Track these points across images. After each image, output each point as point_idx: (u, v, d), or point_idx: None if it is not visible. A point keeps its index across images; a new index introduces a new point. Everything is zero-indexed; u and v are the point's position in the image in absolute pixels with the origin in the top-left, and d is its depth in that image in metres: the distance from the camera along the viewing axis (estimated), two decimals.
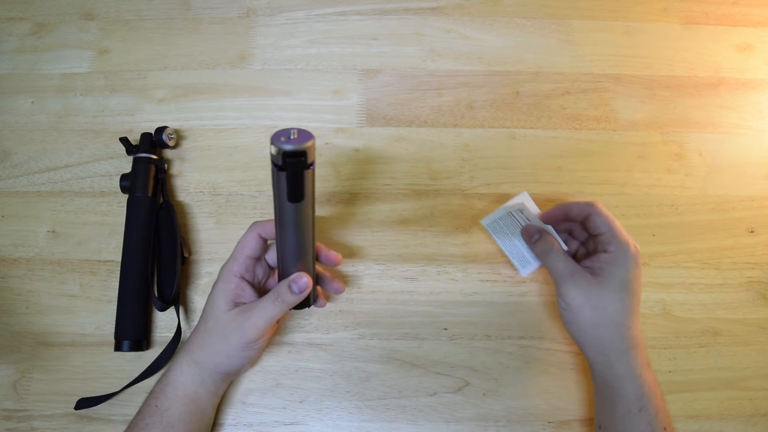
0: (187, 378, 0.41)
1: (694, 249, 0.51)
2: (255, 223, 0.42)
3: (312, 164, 0.32)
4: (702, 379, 0.48)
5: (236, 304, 0.41)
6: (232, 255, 0.42)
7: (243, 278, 0.41)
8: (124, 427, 0.41)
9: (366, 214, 0.52)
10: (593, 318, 0.40)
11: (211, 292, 0.42)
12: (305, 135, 0.31)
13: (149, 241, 0.48)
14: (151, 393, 0.41)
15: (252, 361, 0.44)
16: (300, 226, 0.36)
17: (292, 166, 0.31)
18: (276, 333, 0.48)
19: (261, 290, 0.44)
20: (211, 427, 0.44)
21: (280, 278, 0.40)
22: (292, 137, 0.30)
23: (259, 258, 0.43)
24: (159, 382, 0.41)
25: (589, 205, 0.42)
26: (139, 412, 0.41)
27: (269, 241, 0.43)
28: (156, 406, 0.40)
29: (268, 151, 0.54)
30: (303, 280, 0.39)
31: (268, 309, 0.39)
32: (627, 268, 0.40)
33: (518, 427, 0.46)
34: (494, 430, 0.46)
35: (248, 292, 0.41)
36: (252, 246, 0.41)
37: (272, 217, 0.38)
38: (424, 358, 0.48)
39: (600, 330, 0.40)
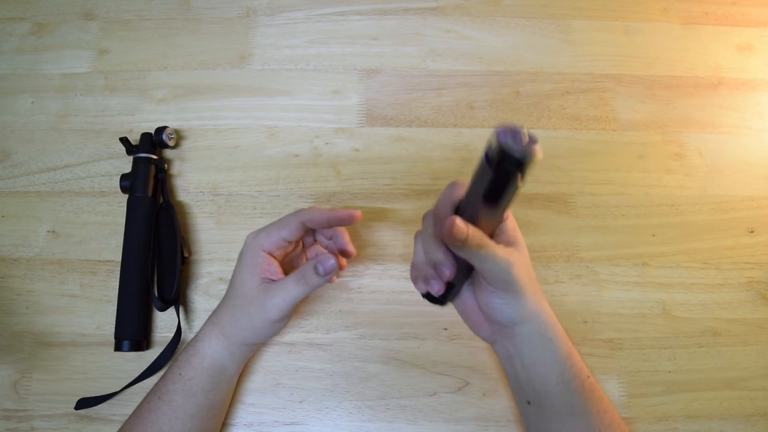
0: (215, 351, 0.41)
1: (694, 249, 0.51)
2: (301, 210, 0.41)
3: None
4: (702, 379, 0.48)
5: (263, 279, 0.40)
6: (265, 230, 0.41)
7: (271, 254, 0.41)
8: None
9: (366, 215, 0.52)
10: (533, 287, 0.39)
11: (239, 264, 0.41)
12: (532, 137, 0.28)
13: (149, 241, 0.48)
14: (175, 362, 0.41)
15: (278, 333, 0.44)
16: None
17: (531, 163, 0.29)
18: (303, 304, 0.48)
19: (285, 264, 0.44)
20: (231, 397, 0.45)
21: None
22: (526, 138, 0.28)
23: (291, 242, 0.42)
24: (184, 352, 0.42)
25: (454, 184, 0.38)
26: (162, 379, 0.41)
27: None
28: (180, 374, 0.40)
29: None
30: (330, 262, 0.38)
31: (291, 290, 0.39)
32: (519, 232, 0.39)
33: (518, 427, 0.46)
34: (494, 430, 0.46)
35: (274, 268, 0.41)
36: (291, 232, 0.40)
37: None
38: (424, 358, 0.48)
39: (537, 295, 0.39)
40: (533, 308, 0.39)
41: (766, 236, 0.52)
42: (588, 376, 0.40)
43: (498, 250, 0.36)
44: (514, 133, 0.28)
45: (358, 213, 0.40)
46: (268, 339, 0.43)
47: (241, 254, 0.42)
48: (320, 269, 0.38)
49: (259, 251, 0.41)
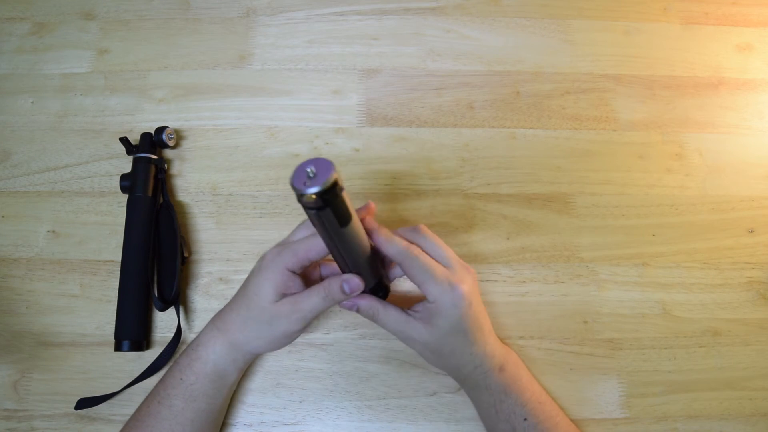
0: (219, 357, 0.41)
1: (694, 249, 0.51)
2: None
3: (340, 185, 0.31)
4: (702, 379, 0.48)
5: (283, 295, 0.40)
6: (290, 249, 0.40)
7: (294, 272, 0.40)
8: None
9: None
10: (437, 358, 0.43)
11: (256, 278, 0.40)
12: (325, 167, 0.29)
13: (149, 241, 0.48)
14: (176, 366, 0.41)
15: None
16: (359, 239, 0.36)
17: (332, 200, 0.30)
18: None
19: (304, 277, 0.43)
20: (229, 402, 0.45)
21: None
22: (311, 176, 0.29)
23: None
24: (186, 356, 0.41)
25: (401, 253, 0.39)
26: (161, 382, 0.41)
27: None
28: (181, 379, 0.40)
29: (265, 151, 0.54)
30: (355, 281, 0.39)
31: (317, 304, 0.39)
32: (452, 315, 0.39)
33: None
34: None
35: (297, 284, 0.40)
36: (319, 252, 0.39)
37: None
38: None
39: (445, 363, 0.43)
40: (467, 369, 0.43)
41: (766, 236, 0.52)
42: (556, 424, 0.43)
43: (392, 322, 0.41)
44: (303, 173, 0.30)
45: (372, 205, 0.40)
46: (278, 349, 0.43)
47: (262, 267, 0.40)
48: (346, 288, 0.39)
49: (282, 269, 0.39)
